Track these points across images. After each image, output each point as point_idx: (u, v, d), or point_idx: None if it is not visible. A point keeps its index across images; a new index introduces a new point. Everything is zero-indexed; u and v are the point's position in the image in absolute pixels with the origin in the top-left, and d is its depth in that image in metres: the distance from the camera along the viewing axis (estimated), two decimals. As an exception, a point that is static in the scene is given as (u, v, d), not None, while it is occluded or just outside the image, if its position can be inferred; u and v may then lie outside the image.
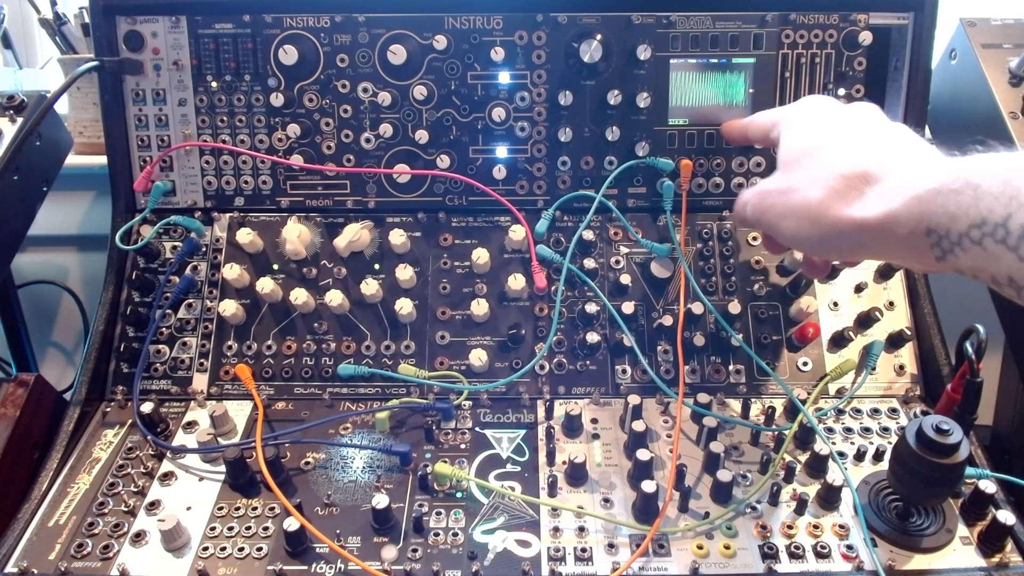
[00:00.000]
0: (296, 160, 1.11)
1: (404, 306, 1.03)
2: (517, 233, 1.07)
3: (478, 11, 1.08)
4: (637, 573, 0.80)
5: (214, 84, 1.11)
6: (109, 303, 1.06)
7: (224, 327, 1.06)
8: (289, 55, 1.07)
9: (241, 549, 0.82)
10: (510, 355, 1.05)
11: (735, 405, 1.00)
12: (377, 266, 1.09)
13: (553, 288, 1.06)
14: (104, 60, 1.08)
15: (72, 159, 1.24)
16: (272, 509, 0.87)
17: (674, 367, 1.03)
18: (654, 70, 1.10)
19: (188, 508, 0.87)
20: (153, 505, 0.87)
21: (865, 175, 0.62)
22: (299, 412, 1.01)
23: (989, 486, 0.84)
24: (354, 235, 1.06)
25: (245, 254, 1.10)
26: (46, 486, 0.90)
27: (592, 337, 1.03)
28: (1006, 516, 0.81)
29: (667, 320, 1.04)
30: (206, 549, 0.83)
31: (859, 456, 0.92)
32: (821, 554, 0.82)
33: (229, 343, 1.05)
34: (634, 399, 0.95)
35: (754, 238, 1.11)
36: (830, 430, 0.97)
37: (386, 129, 1.10)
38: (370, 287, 1.04)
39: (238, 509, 0.87)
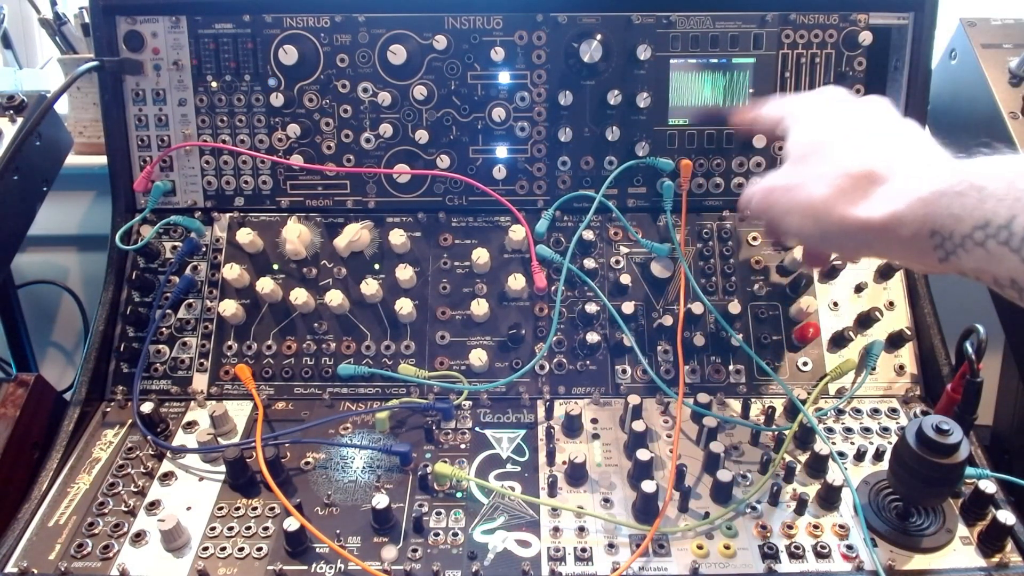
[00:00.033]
0: (296, 160, 1.11)
1: (404, 306, 1.03)
2: (517, 233, 1.07)
3: (478, 11, 1.08)
4: (637, 573, 0.80)
5: (214, 84, 1.11)
6: (109, 303, 1.06)
7: (224, 327, 1.06)
8: (289, 55, 1.07)
9: (241, 549, 0.82)
10: (510, 355, 1.05)
11: (735, 405, 1.00)
12: (377, 266, 1.09)
13: (553, 288, 1.06)
14: (104, 60, 1.08)
15: (72, 159, 1.24)
16: (272, 509, 0.87)
17: (674, 367, 1.03)
18: (654, 70, 1.10)
19: (188, 508, 0.87)
20: (153, 505, 0.87)
21: (871, 175, 0.62)
22: (299, 412, 1.01)
23: (989, 486, 0.84)
24: (354, 235, 1.06)
25: (245, 254, 1.10)
26: (46, 486, 0.90)
27: (592, 337, 1.03)
28: (1006, 516, 0.81)
29: (667, 320, 1.04)
30: (206, 549, 0.83)
31: (859, 456, 0.92)
32: (821, 554, 0.82)
33: (229, 343, 1.05)
34: (634, 399, 0.95)
35: (754, 238, 1.11)
36: (830, 430, 0.97)
37: (386, 129, 1.10)
38: (370, 287, 1.04)
39: (238, 509, 0.87)
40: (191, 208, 1.14)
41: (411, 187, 1.13)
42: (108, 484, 0.90)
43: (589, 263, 1.07)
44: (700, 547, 0.82)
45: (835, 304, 1.07)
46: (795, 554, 0.82)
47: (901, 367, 1.05)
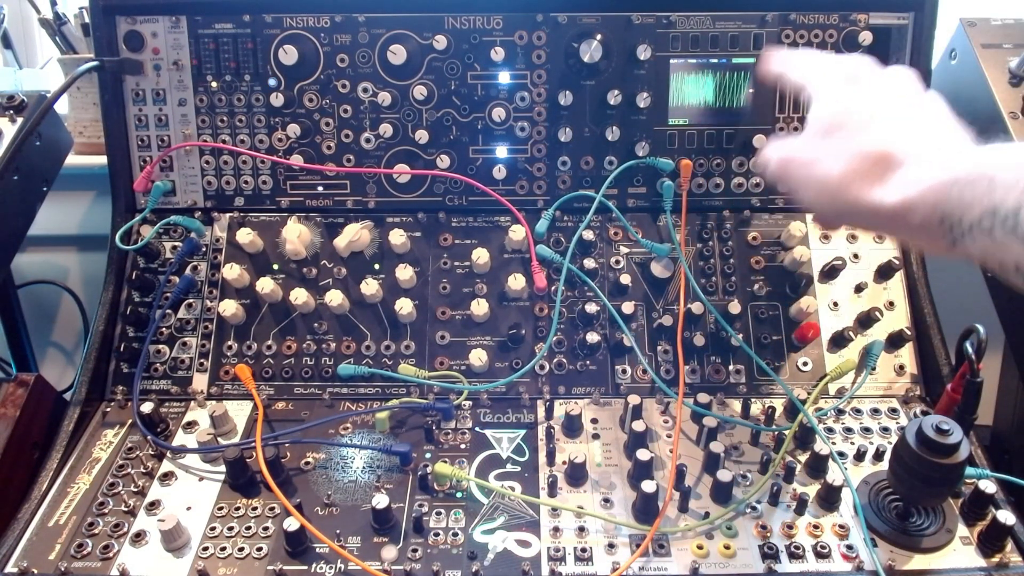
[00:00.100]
0: (296, 160, 1.11)
1: (404, 306, 1.03)
2: (517, 233, 1.07)
3: (478, 11, 1.08)
4: (637, 573, 0.80)
5: (214, 84, 1.11)
6: (109, 303, 1.06)
7: (224, 327, 1.06)
8: (289, 55, 1.07)
9: (241, 549, 0.82)
10: (510, 355, 1.05)
11: (735, 405, 1.00)
12: (377, 266, 1.09)
13: (553, 288, 1.06)
14: (104, 60, 1.08)
15: (72, 159, 1.24)
16: (272, 509, 0.87)
17: (674, 367, 1.03)
18: (654, 70, 1.10)
19: (188, 508, 0.87)
20: (153, 505, 0.87)
21: (888, 157, 0.62)
22: (299, 412, 1.01)
23: (989, 486, 0.84)
24: (354, 235, 1.06)
25: (245, 254, 1.10)
26: (46, 486, 0.90)
27: (592, 337, 1.03)
28: (1006, 516, 0.81)
29: (667, 320, 1.05)
30: (206, 549, 0.83)
31: (859, 456, 0.92)
32: (821, 554, 0.82)
33: (229, 343, 1.05)
34: (634, 399, 0.95)
35: (754, 238, 1.11)
36: (830, 430, 0.97)
37: (386, 129, 1.10)
38: (370, 287, 1.04)
39: (238, 509, 0.87)
40: (191, 208, 1.14)
41: (411, 187, 1.13)
42: (108, 484, 0.90)
43: (589, 263, 1.07)
44: (700, 547, 0.82)
45: (835, 304, 1.07)
46: (795, 554, 0.82)
47: (901, 367, 1.05)
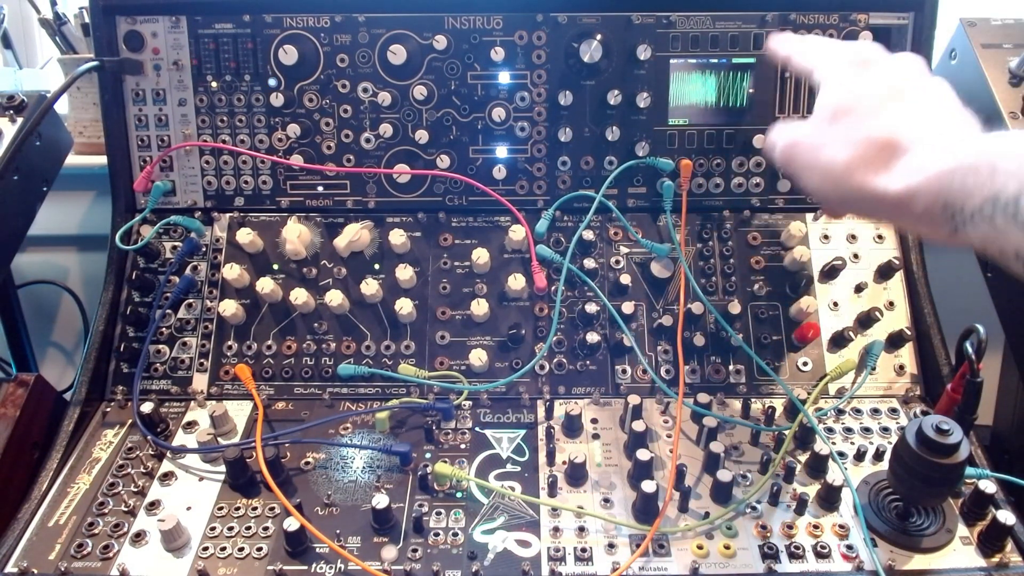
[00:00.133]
0: (296, 160, 1.11)
1: (404, 306, 1.03)
2: (517, 233, 1.07)
3: (478, 11, 1.08)
4: (637, 573, 0.80)
5: (214, 84, 1.11)
6: (109, 303, 1.06)
7: (224, 327, 1.06)
8: (289, 55, 1.07)
9: (241, 549, 0.82)
10: (510, 355, 1.05)
11: (735, 405, 1.00)
12: (377, 266, 1.09)
13: (553, 288, 1.06)
14: (104, 60, 1.08)
15: (72, 159, 1.24)
16: (272, 509, 0.87)
17: (674, 367, 1.03)
18: (654, 70, 1.10)
19: (188, 508, 0.87)
20: (153, 505, 0.87)
21: (894, 144, 0.62)
22: (299, 412, 1.01)
23: (989, 486, 0.84)
24: (354, 235, 1.06)
25: (245, 254, 1.10)
26: (46, 486, 0.90)
27: (592, 337, 1.03)
28: (1006, 516, 0.81)
29: (667, 320, 1.05)
30: (206, 549, 0.83)
31: (859, 456, 0.92)
32: (821, 554, 0.82)
33: (229, 343, 1.05)
34: (634, 399, 0.95)
35: (753, 238, 1.11)
36: (830, 430, 0.97)
37: (386, 129, 1.10)
38: (370, 287, 1.04)
39: (238, 509, 0.87)
40: (191, 208, 1.14)
41: (411, 187, 1.13)
42: (108, 484, 0.90)
43: (589, 263, 1.07)
44: (700, 547, 0.82)
45: (835, 304, 1.07)
46: (795, 554, 0.82)
47: (901, 367, 1.05)
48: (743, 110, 1.11)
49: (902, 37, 1.10)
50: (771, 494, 0.87)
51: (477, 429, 0.98)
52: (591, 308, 1.04)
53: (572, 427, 0.96)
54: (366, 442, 0.96)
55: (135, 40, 1.09)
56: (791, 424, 0.94)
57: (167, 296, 1.06)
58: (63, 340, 1.63)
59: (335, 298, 1.03)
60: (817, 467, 0.90)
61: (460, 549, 0.82)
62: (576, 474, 0.89)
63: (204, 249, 1.11)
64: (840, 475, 0.87)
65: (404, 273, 1.05)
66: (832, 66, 0.73)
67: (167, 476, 0.91)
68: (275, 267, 1.09)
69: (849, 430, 0.97)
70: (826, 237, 1.11)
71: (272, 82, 1.10)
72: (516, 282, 1.04)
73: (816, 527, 0.84)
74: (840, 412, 1.00)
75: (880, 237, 1.11)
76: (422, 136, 1.10)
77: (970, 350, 0.91)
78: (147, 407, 0.96)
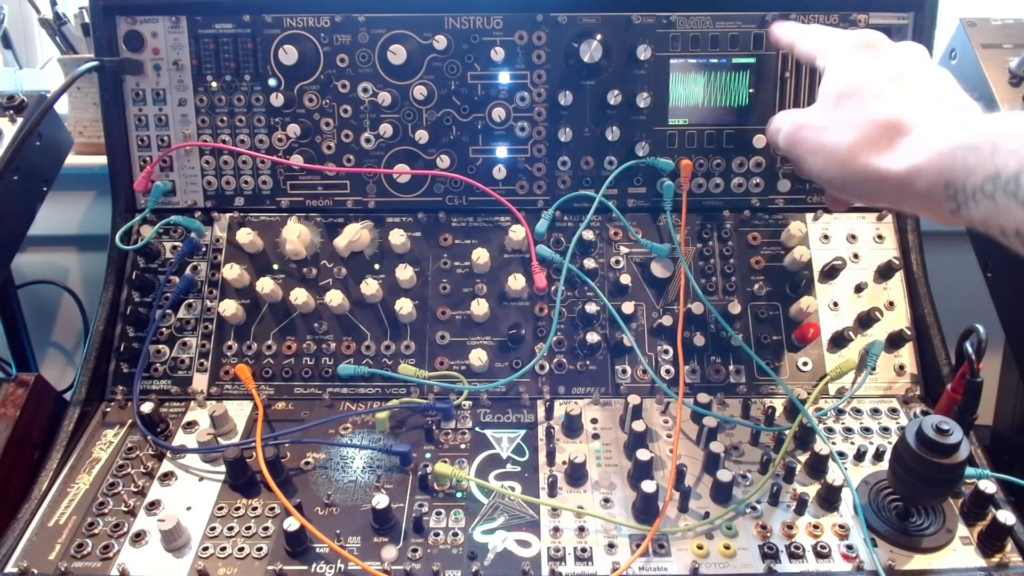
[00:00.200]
0: (296, 160, 1.11)
1: (404, 306, 1.03)
2: (517, 233, 1.07)
3: (478, 11, 1.08)
4: (637, 573, 0.80)
5: (214, 84, 1.11)
6: (109, 303, 1.06)
7: (224, 327, 1.06)
8: (289, 55, 1.07)
9: (241, 549, 0.82)
10: (510, 355, 1.05)
11: (735, 405, 1.00)
12: (377, 266, 1.09)
13: (553, 288, 1.06)
14: (104, 60, 1.08)
15: (72, 159, 1.24)
16: (272, 509, 0.87)
17: (674, 367, 1.03)
18: (654, 70, 1.10)
19: (188, 508, 0.87)
20: (153, 505, 0.87)
21: (897, 125, 0.63)
22: (299, 412, 1.01)
23: (989, 486, 0.84)
24: (354, 235, 1.06)
25: (245, 254, 1.10)
26: (46, 486, 0.90)
27: (592, 337, 1.03)
28: (1006, 516, 0.81)
29: (667, 320, 1.05)
30: (206, 549, 0.83)
31: (859, 456, 0.92)
32: (821, 554, 0.82)
33: (229, 343, 1.05)
34: (634, 399, 0.95)
35: (753, 238, 1.11)
36: (830, 430, 0.97)
37: (386, 129, 1.10)
38: (370, 287, 1.04)
39: (238, 509, 0.87)
40: (191, 208, 1.14)
41: (411, 187, 1.13)
42: (108, 484, 0.90)
43: (589, 263, 1.07)
44: (700, 547, 0.82)
45: (835, 304, 1.07)
46: (795, 554, 0.82)
47: (901, 367, 1.05)
48: (743, 110, 1.11)
49: (902, 37, 1.10)
50: (771, 494, 0.87)
51: (477, 429, 0.98)
52: (591, 308, 1.04)
53: (572, 427, 0.96)
54: (366, 442, 0.96)
55: (135, 40, 1.09)
56: (791, 424, 0.94)
57: (167, 296, 1.06)
58: (63, 340, 1.63)
59: (335, 298, 1.03)
60: (817, 467, 0.90)
61: (460, 549, 0.82)
62: (576, 474, 0.89)
63: (204, 249, 1.11)
64: (840, 475, 0.87)
65: (404, 273, 1.05)
66: (836, 51, 0.74)
67: (167, 476, 0.91)
68: (275, 267, 1.09)
69: (849, 430, 0.97)
70: (826, 237, 1.11)
71: (272, 82, 1.10)
72: (516, 282, 1.04)
73: (816, 527, 0.84)
74: (840, 412, 1.00)
75: (880, 237, 1.11)
76: (422, 136, 1.10)
77: (970, 350, 0.91)
78: (147, 407, 0.96)
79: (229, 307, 1.03)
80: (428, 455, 0.94)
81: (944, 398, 0.96)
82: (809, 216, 1.12)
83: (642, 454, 0.87)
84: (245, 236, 1.07)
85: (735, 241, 1.11)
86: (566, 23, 1.08)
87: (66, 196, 1.40)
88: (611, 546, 0.82)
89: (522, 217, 1.08)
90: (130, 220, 1.11)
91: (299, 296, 1.03)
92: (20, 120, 1.05)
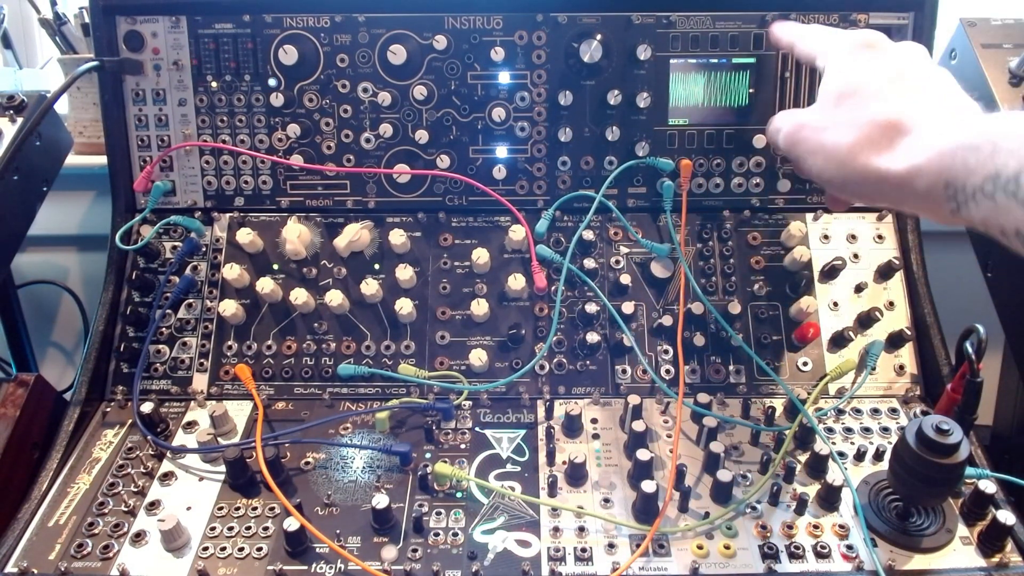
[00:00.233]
0: (296, 160, 1.11)
1: (404, 306, 1.03)
2: (517, 233, 1.07)
3: (478, 11, 1.08)
4: (637, 573, 0.80)
5: (214, 84, 1.11)
6: (109, 303, 1.06)
7: (224, 327, 1.06)
8: (289, 55, 1.07)
9: (241, 549, 0.82)
10: (510, 355, 1.05)
11: (735, 405, 1.00)
12: (377, 266, 1.09)
13: (553, 288, 1.06)
14: (104, 60, 1.08)
15: (72, 159, 1.24)
16: (272, 509, 0.87)
17: (674, 367, 1.03)
18: (654, 70, 1.10)
19: (188, 508, 0.87)
20: (153, 505, 0.87)
21: (897, 125, 0.63)
22: (299, 412, 1.01)
23: (989, 486, 0.84)
24: (354, 235, 1.06)
25: (245, 254, 1.10)
26: (46, 486, 0.90)
27: (592, 337, 1.03)
28: (1006, 516, 0.81)
29: (667, 320, 1.04)
30: (206, 549, 0.83)
31: (859, 456, 0.92)
32: (821, 554, 0.82)
33: (229, 343, 1.05)
34: (634, 399, 0.95)
35: (753, 238, 1.11)
36: (830, 430, 0.97)
37: (386, 129, 1.10)
38: (370, 287, 1.04)
39: (238, 509, 0.87)
40: (191, 208, 1.14)
41: (411, 187, 1.13)
42: (108, 484, 0.90)
43: (589, 263, 1.07)
44: (700, 547, 0.82)
45: (835, 304, 1.07)
46: (795, 554, 0.82)
47: (901, 367, 1.05)
48: (743, 110, 1.11)
49: (902, 37, 1.10)
50: (771, 494, 0.87)
51: (477, 429, 0.98)
52: (591, 308, 1.04)
53: (572, 427, 0.96)
54: (366, 442, 0.96)
55: (135, 40, 1.09)
56: (791, 424, 0.94)
57: (167, 296, 1.06)
58: (63, 340, 1.63)
59: (335, 298, 1.03)
60: (817, 467, 0.90)
61: (460, 549, 0.82)
62: (576, 474, 0.89)
63: (204, 249, 1.11)
64: (840, 475, 0.87)
65: (404, 273, 1.05)
66: (836, 51, 0.74)
67: (167, 476, 0.91)
68: (275, 267, 1.09)
69: (849, 430, 0.97)
70: (826, 237, 1.11)
71: (272, 82, 1.10)
72: (516, 282, 1.04)
73: (816, 527, 0.84)
74: (840, 412, 1.00)
75: (880, 237, 1.11)
76: (422, 136, 1.10)
77: (970, 350, 0.91)
78: (147, 407, 0.96)
79: (229, 307, 1.03)
80: (428, 455, 0.94)
81: (944, 398, 0.96)
82: (809, 216, 1.12)
83: (642, 454, 0.87)
84: (245, 236, 1.07)
85: (735, 241, 1.11)
86: (566, 23, 1.08)
87: (66, 196, 1.40)
88: (611, 546, 0.82)
89: (522, 217, 1.08)
90: (130, 220, 1.11)
91: (299, 296, 1.03)
92: (20, 120, 1.05)
